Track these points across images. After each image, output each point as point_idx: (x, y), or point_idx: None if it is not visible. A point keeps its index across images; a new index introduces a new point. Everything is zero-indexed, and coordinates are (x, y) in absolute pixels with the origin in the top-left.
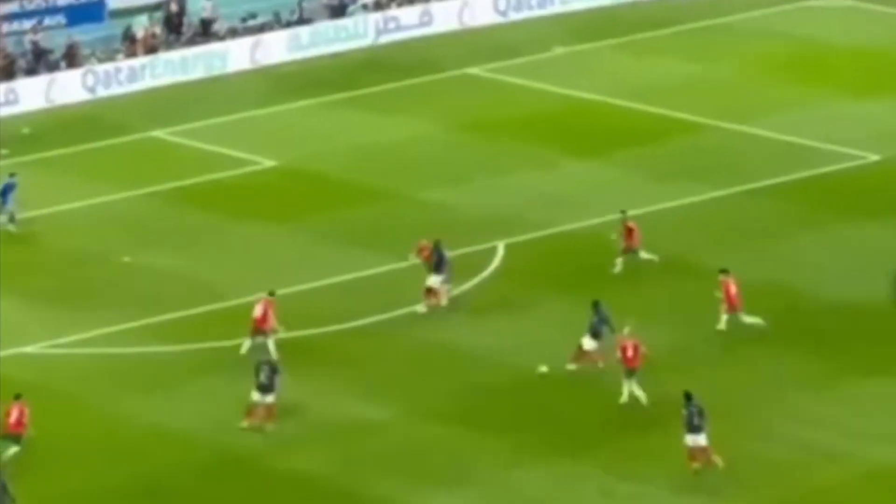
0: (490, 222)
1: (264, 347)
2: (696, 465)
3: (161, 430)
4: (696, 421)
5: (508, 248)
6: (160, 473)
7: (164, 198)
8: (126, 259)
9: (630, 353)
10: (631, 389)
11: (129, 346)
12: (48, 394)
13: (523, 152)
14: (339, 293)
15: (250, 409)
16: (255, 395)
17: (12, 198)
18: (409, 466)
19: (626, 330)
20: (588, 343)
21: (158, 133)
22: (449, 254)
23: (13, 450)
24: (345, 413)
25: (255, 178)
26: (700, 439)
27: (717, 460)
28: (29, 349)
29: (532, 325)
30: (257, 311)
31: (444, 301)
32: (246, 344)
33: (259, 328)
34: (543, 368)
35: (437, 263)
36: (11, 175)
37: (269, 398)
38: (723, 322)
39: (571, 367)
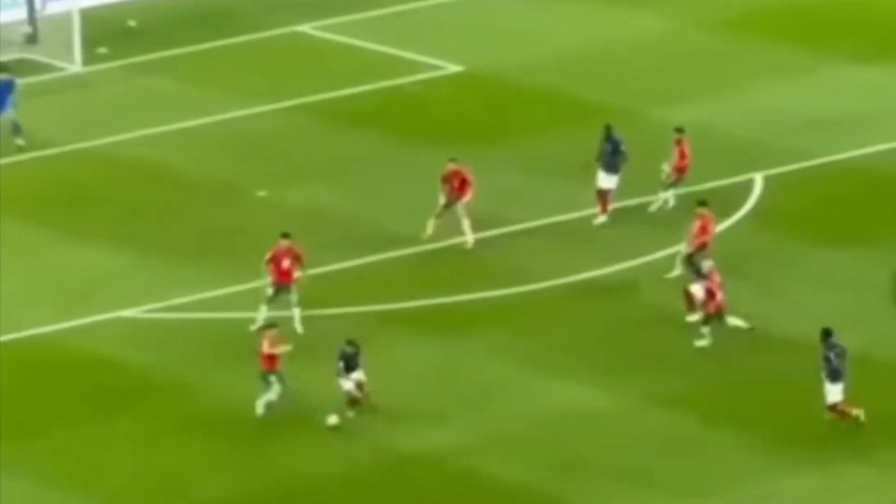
0: (745, 147)
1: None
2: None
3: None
4: (836, 365)
5: (768, 181)
6: (307, 480)
7: (310, 112)
8: (261, 193)
9: None
10: None
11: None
12: (161, 364)
13: (782, 57)
14: (547, 239)
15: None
16: (347, 383)
17: (10, 102)
18: (638, 469)
19: None
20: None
21: (304, 28)
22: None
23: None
24: (553, 398)
25: (435, 88)
26: (835, 389)
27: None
28: (130, 312)
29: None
30: (284, 263)
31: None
32: (261, 312)
33: (283, 282)
34: None
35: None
36: (5, 74)
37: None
38: None
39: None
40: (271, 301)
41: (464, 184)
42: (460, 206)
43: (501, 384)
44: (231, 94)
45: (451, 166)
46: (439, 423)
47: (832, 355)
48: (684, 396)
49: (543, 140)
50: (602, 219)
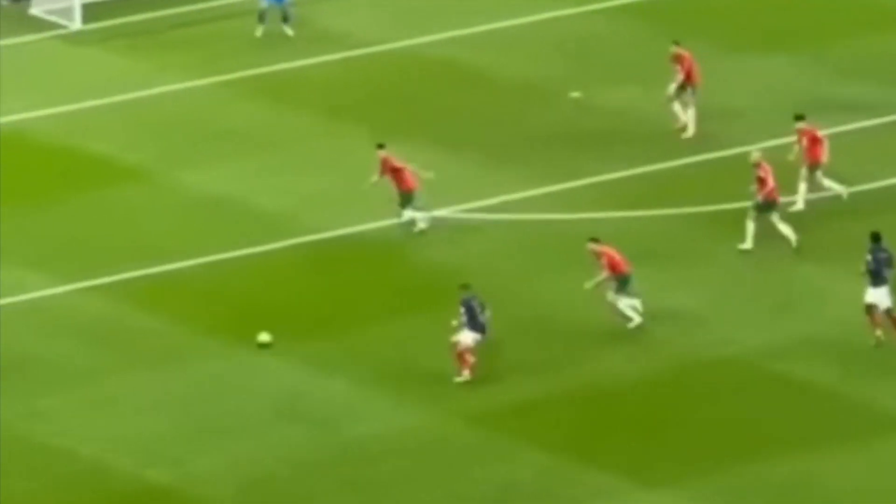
0: None
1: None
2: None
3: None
4: (884, 272)
5: None
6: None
7: (630, 14)
8: (575, 95)
9: None
10: None
11: (575, 211)
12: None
13: None
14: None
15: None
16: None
17: None
18: None
19: None
20: None
21: None
22: None
23: None
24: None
25: None
26: (883, 295)
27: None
28: (443, 212)
29: None
30: (409, 182)
31: None
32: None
33: (407, 190)
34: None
35: None
36: None
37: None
38: None
39: None
40: None
41: None
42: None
43: (808, 287)
44: None
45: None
46: (749, 327)
47: (876, 258)
48: None
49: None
50: None
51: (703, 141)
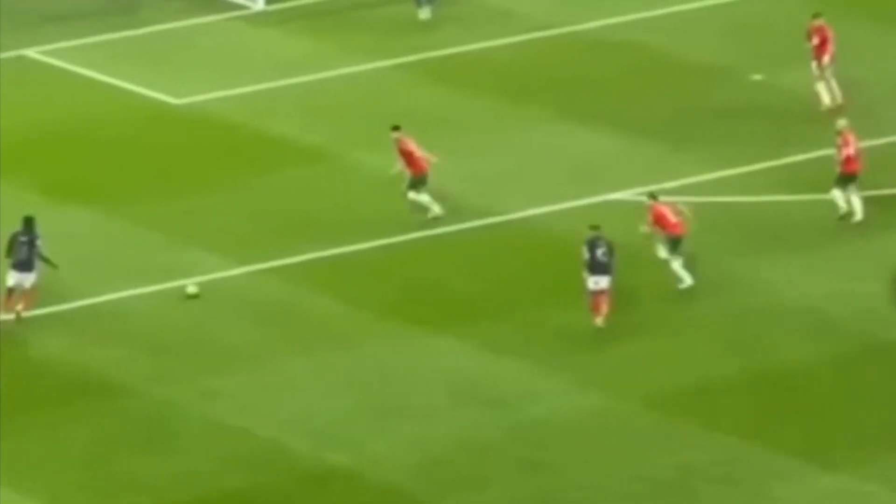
0: None
1: None
2: None
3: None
4: None
5: None
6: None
7: None
8: (756, 77)
9: None
10: None
11: (756, 194)
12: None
13: None
14: None
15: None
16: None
17: None
18: None
19: None
20: None
21: None
22: None
23: None
24: None
25: None
26: None
27: None
28: (621, 195)
29: None
30: (421, 165)
31: None
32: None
33: (419, 173)
34: None
35: None
36: None
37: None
38: None
39: None
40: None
41: None
42: None
43: None
44: None
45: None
46: None
47: None
48: None
49: None
50: None
51: (883, 123)
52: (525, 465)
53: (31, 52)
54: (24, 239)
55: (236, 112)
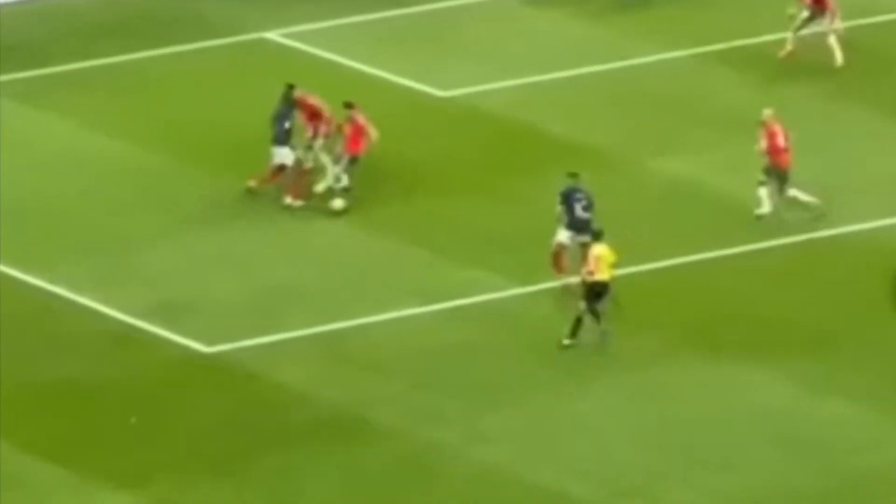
0: None
1: None
2: None
3: None
4: None
5: None
6: None
7: None
8: None
9: None
10: None
11: None
12: None
13: None
14: None
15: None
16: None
17: None
18: None
19: None
20: None
21: None
22: None
23: None
24: None
25: None
26: None
27: None
28: None
29: None
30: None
31: None
32: None
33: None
34: None
35: None
36: None
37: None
38: None
39: None
40: None
41: None
42: None
43: None
44: None
45: None
46: None
47: None
48: None
49: None
50: None
51: None
52: None
53: (274, 35)
54: None
55: (512, 106)
